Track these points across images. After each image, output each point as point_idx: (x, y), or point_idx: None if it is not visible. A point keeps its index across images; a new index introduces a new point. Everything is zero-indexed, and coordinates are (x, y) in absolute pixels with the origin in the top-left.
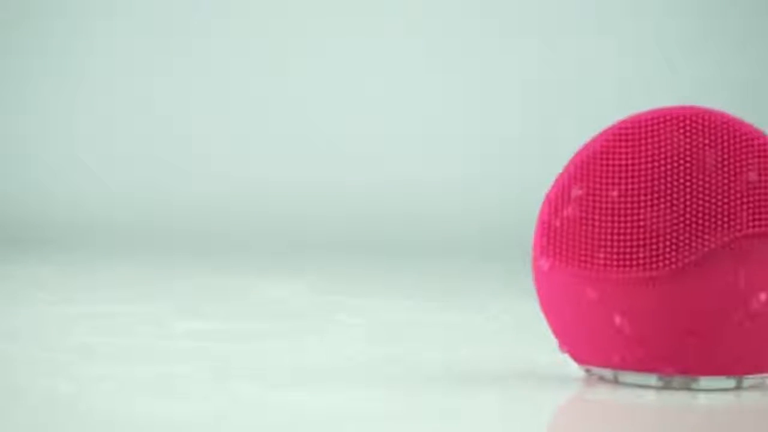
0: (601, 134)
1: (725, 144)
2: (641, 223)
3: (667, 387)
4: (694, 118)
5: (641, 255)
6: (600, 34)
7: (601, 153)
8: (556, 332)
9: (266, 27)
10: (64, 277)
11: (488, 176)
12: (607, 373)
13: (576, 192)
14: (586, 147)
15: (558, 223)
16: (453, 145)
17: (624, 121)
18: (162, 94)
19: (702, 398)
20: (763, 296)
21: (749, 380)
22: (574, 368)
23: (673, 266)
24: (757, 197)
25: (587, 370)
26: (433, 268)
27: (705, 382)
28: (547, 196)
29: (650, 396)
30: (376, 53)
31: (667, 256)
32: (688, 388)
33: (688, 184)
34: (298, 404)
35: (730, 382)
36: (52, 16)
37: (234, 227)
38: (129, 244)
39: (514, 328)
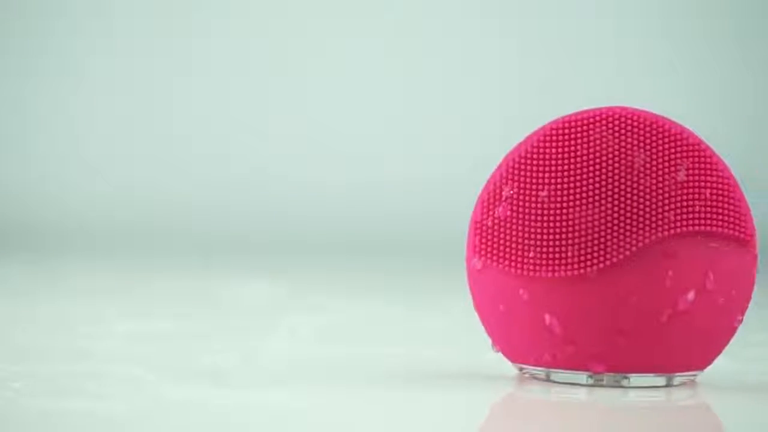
0: (532, 134)
1: (655, 144)
2: (570, 223)
3: (597, 385)
4: (624, 119)
5: (569, 254)
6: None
7: (532, 153)
8: (489, 331)
9: (266, 27)
10: (32, 275)
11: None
12: (540, 371)
13: (507, 192)
14: (518, 147)
15: (490, 223)
16: (447, 144)
17: (555, 122)
18: (162, 94)
19: (632, 396)
20: (691, 295)
21: (679, 378)
22: (508, 367)
23: (601, 265)
24: (685, 197)
25: (520, 369)
26: (404, 266)
27: (635, 379)
28: (480, 196)
29: (581, 394)
30: (373, 54)
31: (595, 255)
32: (619, 386)
33: (616, 183)
34: (235, 403)
35: (661, 380)
36: (52, 16)
37: (233, 227)
38: (129, 244)
39: (451, 326)
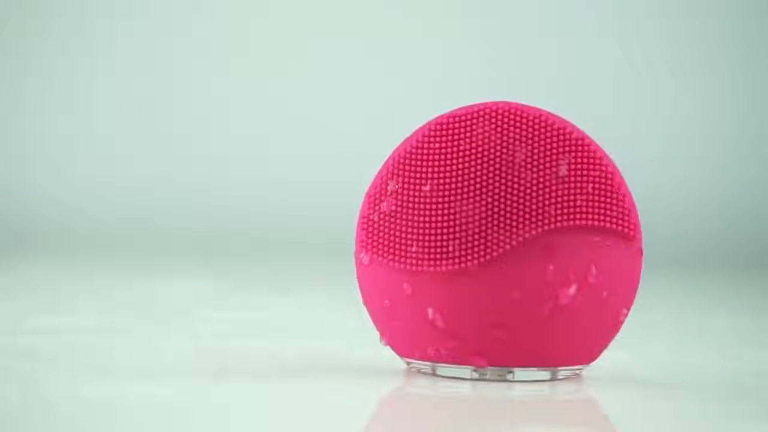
0: (419, 129)
1: (537, 138)
2: (451, 217)
3: (482, 379)
4: (507, 113)
5: (451, 249)
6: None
7: (417, 148)
8: (377, 325)
9: (267, 27)
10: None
11: None
12: (426, 365)
13: (392, 187)
14: (404, 142)
15: (376, 218)
16: None
17: (440, 117)
18: (162, 94)
19: (517, 390)
20: (573, 289)
21: (563, 372)
22: (396, 361)
23: (482, 259)
24: (566, 191)
25: (408, 363)
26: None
27: (519, 373)
28: (367, 192)
29: (466, 388)
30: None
31: (476, 249)
32: (504, 380)
33: (497, 178)
34: (107, 395)
35: (545, 374)
36: (52, 16)
37: (231, 226)
38: (127, 244)
39: (341, 320)
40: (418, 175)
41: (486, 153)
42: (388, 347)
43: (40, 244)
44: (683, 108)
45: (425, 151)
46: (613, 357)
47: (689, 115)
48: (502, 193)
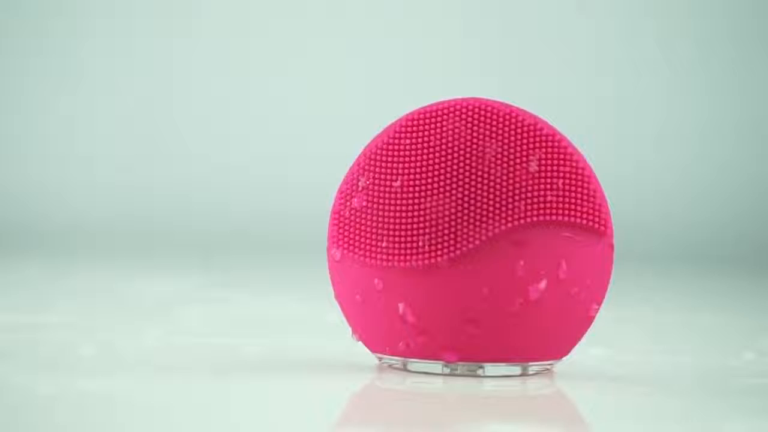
0: (390, 125)
1: (507, 134)
2: (421, 213)
3: (453, 374)
4: (477, 109)
5: (421, 244)
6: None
7: (388, 144)
8: (349, 321)
9: (267, 27)
10: None
11: None
12: (397, 360)
13: (363, 182)
14: (376, 139)
15: (347, 214)
16: None
17: (411, 113)
18: (162, 94)
19: (488, 385)
20: (543, 284)
21: (534, 367)
22: (368, 356)
23: (452, 254)
24: (536, 187)
25: (379, 358)
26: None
27: (490, 369)
28: (339, 188)
29: (437, 383)
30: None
31: (446, 244)
32: (475, 375)
33: (467, 173)
34: (54, 389)
35: (516, 369)
36: (51, 16)
37: (233, 225)
38: (127, 244)
39: (318, 316)
40: (388, 171)
41: (456, 148)
42: (360, 343)
43: (40, 244)
44: (682, 108)
45: (396, 147)
46: (589, 353)
47: (689, 115)
48: (472, 189)
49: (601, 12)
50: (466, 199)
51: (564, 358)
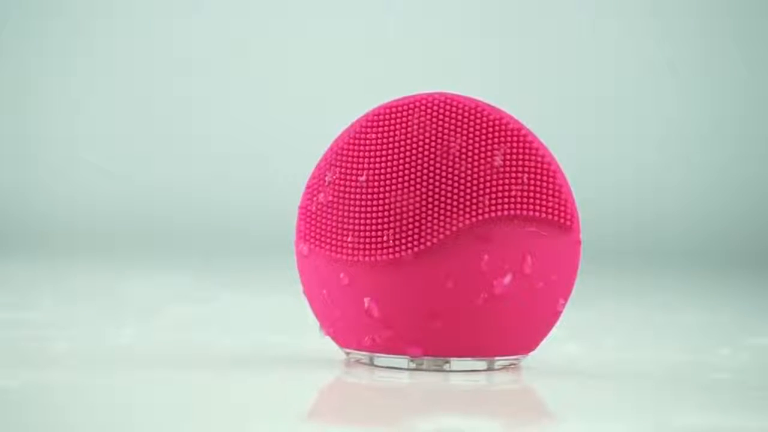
0: (357, 120)
1: (473, 129)
2: (386, 207)
3: (419, 369)
4: (442, 104)
5: (386, 239)
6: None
7: (354, 139)
8: (317, 316)
9: (267, 27)
10: None
11: None
12: (363, 355)
13: (329, 177)
14: (343, 134)
15: (314, 209)
16: None
17: (378, 108)
18: (162, 94)
19: (454, 380)
20: (507, 279)
21: (500, 362)
22: (336, 351)
23: (416, 249)
24: (501, 181)
25: (347, 353)
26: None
27: (456, 363)
28: (307, 183)
29: (403, 378)
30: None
31: (410, 239)
32: (441, 370)
33: (432, 168)
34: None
35: (482, 364)
36: (52, 16)
37: (232, 224)
38: (126, 243)
39: (285, 312)
40: (354, 166)
41: (421, 143)
42: (327, 338)
43: (41, 243)
44: (682, 109)
45: (362, 142)
46: (560, 349)
47: (689, 115)
48: (437, 183)
49: (602, 12)
50: (430, 193)
51: (531, 353)
